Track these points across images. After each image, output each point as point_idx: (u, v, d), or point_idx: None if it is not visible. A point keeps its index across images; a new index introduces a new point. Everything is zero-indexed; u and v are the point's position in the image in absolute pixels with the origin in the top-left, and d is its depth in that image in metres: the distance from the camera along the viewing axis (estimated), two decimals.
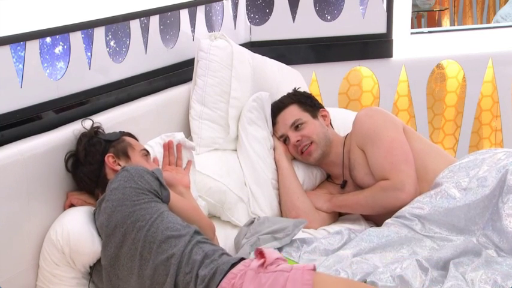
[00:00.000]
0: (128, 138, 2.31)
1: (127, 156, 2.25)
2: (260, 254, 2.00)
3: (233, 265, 1.96)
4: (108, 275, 2.06)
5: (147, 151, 2.34)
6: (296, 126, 2.72)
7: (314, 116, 2.75)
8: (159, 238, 1.99)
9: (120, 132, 2.34)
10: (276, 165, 2.73)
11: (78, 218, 2.14)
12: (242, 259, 2.00)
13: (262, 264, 1.94)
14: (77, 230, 2.09)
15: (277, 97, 2.84)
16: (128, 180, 2.08)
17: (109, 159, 2.22)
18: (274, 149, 2.75)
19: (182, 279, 1.94)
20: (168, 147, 2.46)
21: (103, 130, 2.33)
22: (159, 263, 1.97)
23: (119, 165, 2.22)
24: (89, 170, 2.22)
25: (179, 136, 2.49)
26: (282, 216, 2.67)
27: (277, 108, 2.79)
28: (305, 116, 2.73)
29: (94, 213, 2.15)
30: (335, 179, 2.81)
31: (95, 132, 2.29)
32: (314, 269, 1.93)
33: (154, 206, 2.06)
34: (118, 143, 2.27)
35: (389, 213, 2.49)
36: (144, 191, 2.07)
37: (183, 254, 1.97)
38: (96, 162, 2.22)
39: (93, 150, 2.23)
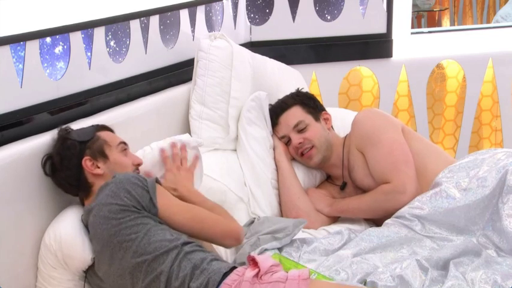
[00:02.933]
0: (102, 134, 2.19)
1: (104, 156, 2.15)
2: (253, 261, 1.96)
3: (225, 274, 1.92)
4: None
5: (125, 143, 2.22)
6: (299, 128, 2.71)
7: (316, 118, 2.74)
8: (147, 258, 1.96)
9: (93, 127, 2.22)
10: (276, 165, 2.72)
11: (71, 222, 2.11)
12: (233, 268, 1.96)
13: (256, 274, 1.91)
14: (69, 235, 2.07)
15: (277, 97, 2.83)
16: (114, 196, 2.01)
17: (86, 163, 2.12)
18: (274, 149, 2.75)
19: None
20: (172, 147, 2.34)
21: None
22: (150, 281, 1.95)
23: (98, 167, 2.13)
24: (67, 175, 2.13)
25: (184, 138, 2.42)
26: (282, 216, 2.67)
27: (280, 108, 2.77)
28: (308, 119, 2.71)
29: (82, 220, 2.11)
30: (335, 179, 2.80)
31: (67, 132, 2.17)
32: (309, 276, 1.91)
33: (141, 222, 1.99)
34: (93, 143, 2.15)
35: (390, 213, 2.49)
36: (129, 207, 2.00)
37: (171, 270, 1.94)
38: (74, 166, 2.12)
39: (69, 154, 2.12)
